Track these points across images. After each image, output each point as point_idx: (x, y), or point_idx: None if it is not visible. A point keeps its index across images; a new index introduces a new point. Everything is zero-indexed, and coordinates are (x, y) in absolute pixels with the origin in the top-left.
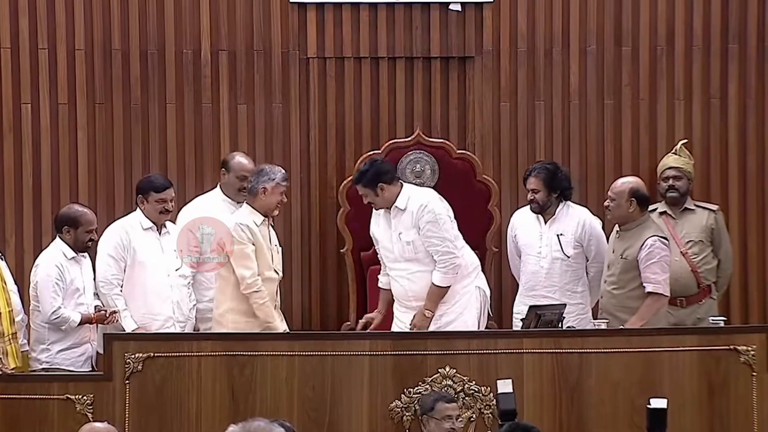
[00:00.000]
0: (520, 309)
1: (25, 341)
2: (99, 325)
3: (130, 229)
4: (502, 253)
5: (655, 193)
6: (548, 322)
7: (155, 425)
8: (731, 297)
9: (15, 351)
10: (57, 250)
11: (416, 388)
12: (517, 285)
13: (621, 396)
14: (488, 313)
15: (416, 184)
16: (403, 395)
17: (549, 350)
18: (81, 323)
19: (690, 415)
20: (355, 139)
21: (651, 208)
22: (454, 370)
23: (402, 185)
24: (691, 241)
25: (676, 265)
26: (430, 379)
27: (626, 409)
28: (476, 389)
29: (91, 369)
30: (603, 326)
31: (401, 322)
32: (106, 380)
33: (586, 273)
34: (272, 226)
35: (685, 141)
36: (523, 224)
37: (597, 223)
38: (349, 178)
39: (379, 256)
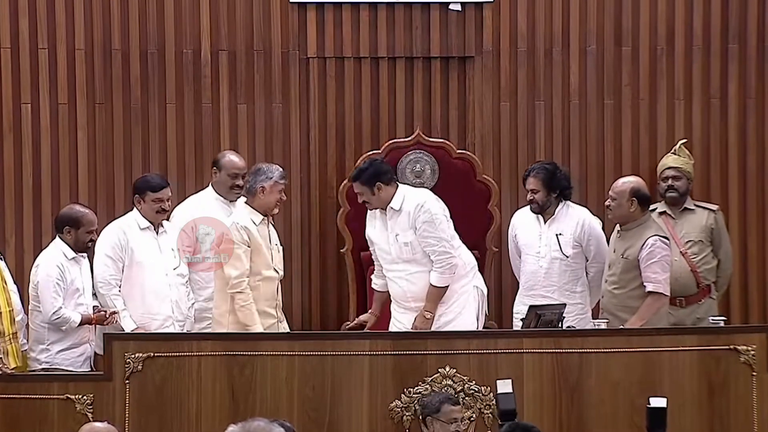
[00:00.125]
0: (519, 309)
1: (25, 341)
2: (98, 325)
3: (127, 229)
4: (502, 253)
5: (655, 193)
6: (548, 322)
7: (155, 425)
8: (731, 297)
9: (15, 351)
10: (57, 250)
11: (416, 388)
12: (517, 285)
13: (621, 396)
14: (485, 313)
15: (416, 184)
16: (403, 395)
17: (549, 350)
18: (81, 324)
19: (690, 415)
20: (355, 139)
21: (651, 207)
22: (454, 370)
23: (398, 187)
24: (690, 241)
25: (675, 264)
26: (430, 379)
27: (626, 409)
28: (476, 389)
29: (89, 369)
30: (603, 326)
31: (400, 323)
32: (106, 380)
33: (586, 273)
34: (273, 225)
35: (684, 141)
36: (523, 224)
37: (596, 223)
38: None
39: (373, 257)
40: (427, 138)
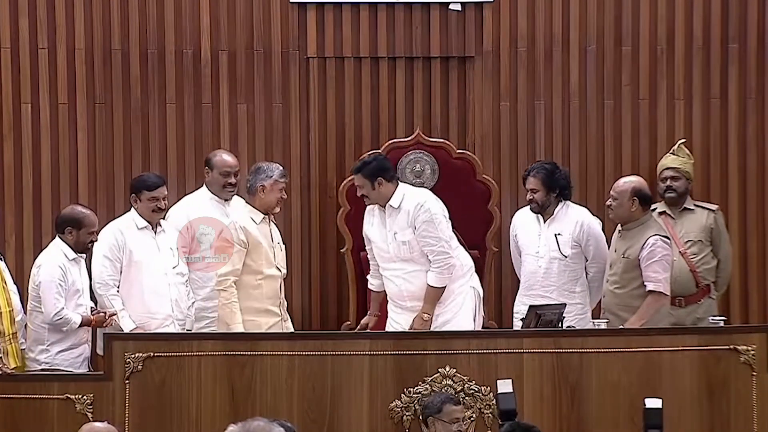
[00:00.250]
0: (519, 309)
1: (23, 340)
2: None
3: (125, 230)
4: (502, 253)
5: (655, 193)
6: (548, 321)
7: (155, 425)
8: (731, 297)
9: (15, 350)
10: (58, 251)
11: (416, 388)
12: (517, 285)
13: (621, 396)
14: (482, 314)
15: (416, 184)
16: (403, 395)
17: (549, 350)
18: (81, 325)
19: (690, 414)
20: (355, 139)
21: (651, 207)
22: (454, 370)
23: (398, 185)
24: (690, 240)
25: (674, 264)
26: (430, 379)
27: (626, 409)
28: (476, 389)
29: (87, 370)
30: (603, 326)
31: (397, 324)
32: (106, 380)
33: (586, 273)
34: (275, 224)
35: (684, 141)
36: (523, 224)
37: (596, 224)
38: (350, 178)
39: (369, 256)
40: (427, 138)
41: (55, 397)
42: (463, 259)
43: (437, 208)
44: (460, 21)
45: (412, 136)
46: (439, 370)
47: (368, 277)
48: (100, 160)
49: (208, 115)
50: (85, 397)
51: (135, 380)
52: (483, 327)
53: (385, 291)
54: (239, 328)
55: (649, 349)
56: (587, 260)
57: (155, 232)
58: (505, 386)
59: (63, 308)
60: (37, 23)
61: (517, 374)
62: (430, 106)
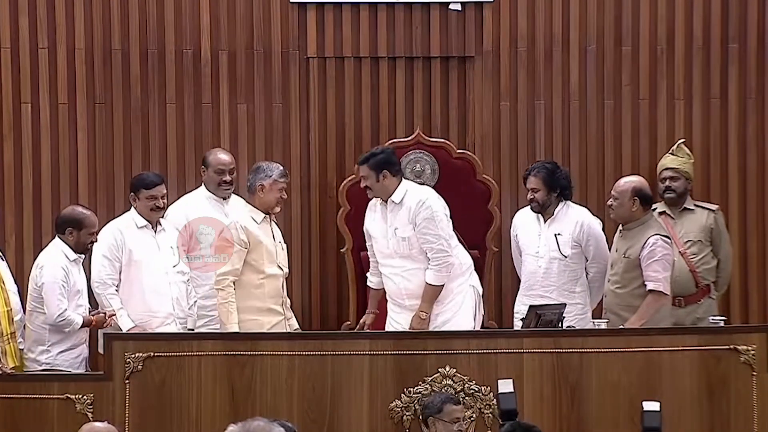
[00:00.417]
0: (519, 309)
1: (21, 340)
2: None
3: (124, 229)
4: (502, 253)
5: (656, 193)
6: (548, 321)
7: (155, 425)
8: (731, 297)
9: (13, 350)
10: (59, 252)
11: (416, 388)
12: (517, 285)
13: (621, 396)
14: (482, 313)
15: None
16: (403, 395)
17: (549, 350)
18: (82, 326)
19: (690, 414)
20: (355, 139)
21: (651, 207)
22: (454, 370)
23: (402, 181)
24: (689, 240)
25: (674, 264)
26: (430, 378)
27: (626, 409)
28: (476, 389)
29: (85, 370)
30: (603, 326)
31: (397, 323)
32: (106, 380)
33: (586, 273)
34: (276, 223)
35: (683, 140)
36: (524, 224)
37: (596, 224)
38: (350, 178)
39: (369, 253)
40: (427, 138)
41: (55, 397)
42: (462, 258)
43: (438, 206)
44: (460, 21)
45: (412, 136)
46: (439, 370)
47: (367, 274)
48: (100, 160)
49: (208, 115)
50: (85, 397)
51: (135, 380)
52: (483, 327)
53: (383, 289)
54: (234, 328)
55: (649, 349)
56: (587, 260)
57: (155, 231)
58: (505, 386)
59: (66, 309)
60: (37, 23)
61: (517, 374)
62: (430, 106)
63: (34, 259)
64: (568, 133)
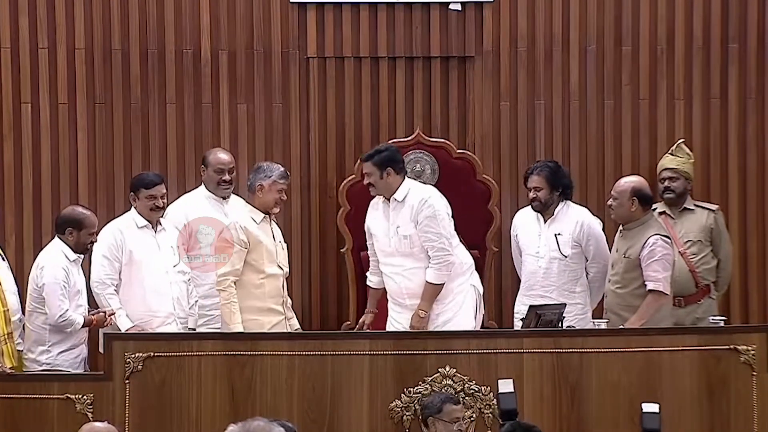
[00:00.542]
0: (520, 309)
1: (20, 341)
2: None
3: (124, 229)
4: (503, 253)
5: (656, 193)
6: (548, 321)
7: (155, 425)
8: (731, 297)
9: (11, 351)
10: (59, 252)
11: (416, 388)
12: (517, 285)
13: (621, 396)
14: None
15: None
16: (403, 395)
17: (549, 350)
18: (83, 326)
19: (690, 414)
20: (355, 139)
21: (652, 207)
22: (454, 370)
23: (405, 179)
24: (689, 240)
25: (674, 264)
26: (430, 378)
27: (626, 409)
28: (476, 389)
29: (84, 370)
30: (603, 326)
31: (397, 323)
32: (106, 380)
33: (586, 273)
34: (276, 223)
35: (682, 140)
36: (524, 224)
37: (596, 224)
38: (350, 178)
39: (370, 252)
40: (427, 138)
41: (55, 397)
42: (463, 257)
43: (441, 205)
44: (460, 21)
45: (412, 136)
46: (439, 370)
47: (367, 273)
48: (100, 160)
49: (208, 115)
50: (85, 397)
51: (135, 380)
52: (483, 327)
53: (383, 288)
54: (239, 328)
55: (649, 349)
56: (587, 260)
57: (155, 231)
58: (505, 386)
59: (68, 310)
60: (37, 23)
61: (517, 374)
62: (430, 106)
63: (34, 259)
64: (568, 133)
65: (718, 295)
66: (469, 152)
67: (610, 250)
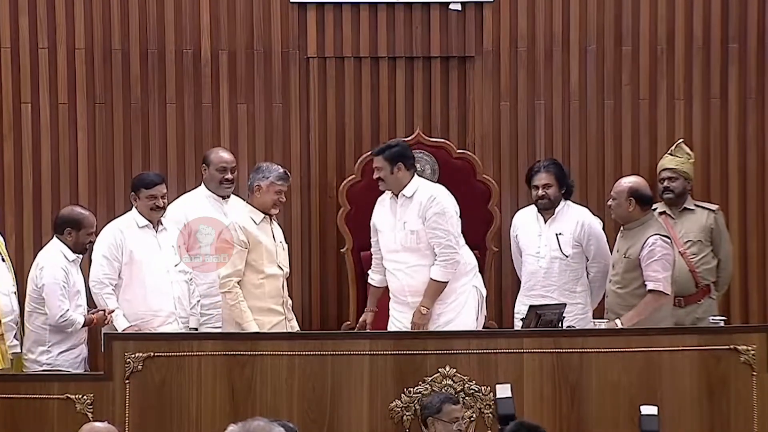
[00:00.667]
0: (520, 309)
1: (16, 342)
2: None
3: (125, 229)
4: (502, 253)
5: (656, 193)
6: (548, 321)
7: (155, 425)
8: (731, 297)
9: (2, 352)
10: (58, 252)
11: (416, 388)
12: (518, 285)
13: (621, 396)
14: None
15: None
16: (403, 395)
17: (549, 350)
18: (84, 325)
19: (690, 414)
20: (355, 139)
21: (652, 207)
22: (454, 370)
23: (414, 176)
24: (689, 240)
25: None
26: (430, 378)
27: (626, 409)
28: (476, 389)
29: (84, 369)
30: (603, 326)
31: (399, 322)
32: (106, 380)
33: (587, 273)
34: (277, 223)
35: (682, 140)
36: (524, 224)
37: (597, 223)
38: (350, 178)
39: (374, 249)
40: (427, 138)
41: (55, 397)
42: (467, 258)
43: (449, 203)
44: (460, 21)
45: (412, 136)
46: (439, 370)
47: (369, 272)
48: (100, 160)
49: (208, 115)
50: (85, 397)
51: (135, 380)
52: (483, 327)
53: (384, 287)
54: (253, 326)
55: (649, 349)
56: (588, 260)
57: (156, 231)
58: (504, 391)
59: (68, 310)
60: (37, 23)
61: (517, 374)
62: (430, 106)
63: (34, 259)
64: (568, 133)
65: (718, 295)
66: (469, 152)
67: (610, 250)
